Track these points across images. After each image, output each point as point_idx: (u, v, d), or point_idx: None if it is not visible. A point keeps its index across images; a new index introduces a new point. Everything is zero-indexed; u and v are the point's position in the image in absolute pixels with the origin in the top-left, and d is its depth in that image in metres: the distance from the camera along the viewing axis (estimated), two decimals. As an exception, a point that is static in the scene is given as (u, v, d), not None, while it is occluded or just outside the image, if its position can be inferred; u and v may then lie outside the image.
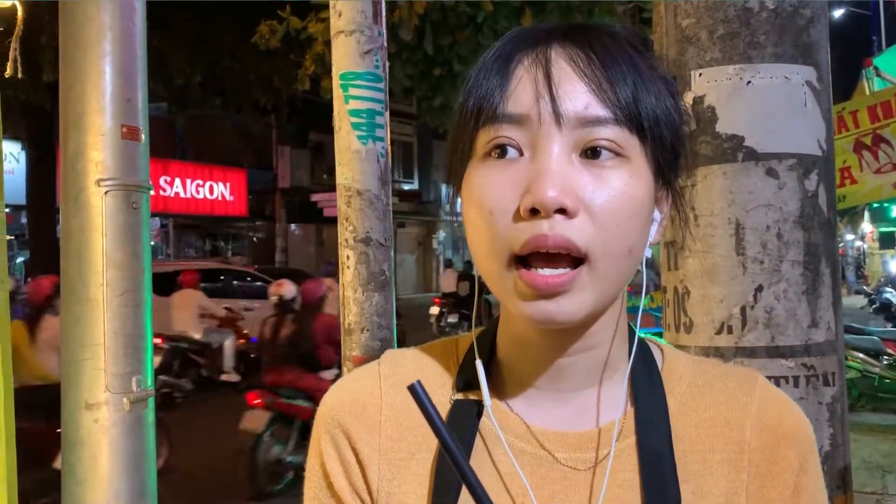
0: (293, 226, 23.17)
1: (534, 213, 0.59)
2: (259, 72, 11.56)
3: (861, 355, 7.57)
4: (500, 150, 0.62)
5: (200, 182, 19.78)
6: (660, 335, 1.34)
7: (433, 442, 0.69)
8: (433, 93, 7.64)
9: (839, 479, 1.24)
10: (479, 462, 0.67)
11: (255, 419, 5.36)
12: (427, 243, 26.52)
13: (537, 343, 0.67)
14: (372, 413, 0.71)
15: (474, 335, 0.73)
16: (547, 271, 0.60)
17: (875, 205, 16.26)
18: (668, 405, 0.69)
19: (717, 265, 1.12)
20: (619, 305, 0.68)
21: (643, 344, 0.72)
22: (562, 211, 0.59)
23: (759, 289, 1.12)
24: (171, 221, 19.70)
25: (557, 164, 0.60)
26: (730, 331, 1.13)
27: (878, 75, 7.06)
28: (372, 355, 1.32)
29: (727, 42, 1.15)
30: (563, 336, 0.66)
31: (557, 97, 0.60)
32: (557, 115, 0.60)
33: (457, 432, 0.67)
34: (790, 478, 0.68)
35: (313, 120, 21.10)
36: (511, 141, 0.62)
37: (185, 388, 8.51)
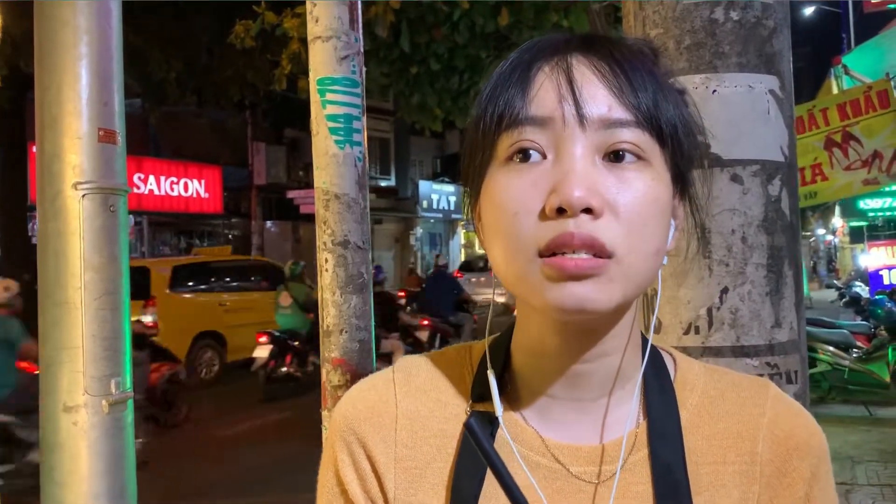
0: (269, 223, 23.00)
1: (560, 212, 0.59)
2: (235, 69, 11.46)
3: (831, 349, 7.69)
4: (523, 154, 0.62)
5: (175, 179, 19.57)
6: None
7: (449, 451, 0.70)
8: (410, 91, 7.62)
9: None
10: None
11: None
12: (404, 240, 26.47)
13: (554, 348, 0.67)
14: (387, 422, 0.72)
15: (487, 343, 0.73)
16: (576, 255, 0.59)
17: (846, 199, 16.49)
18: (681, 416, 0.69)
19: (684, 268, 1.15)
20: (632, 312, 0.68)
21: (655, 353, 0.72)
22: (587, 211, 0.59)
23: (725, 290, 1.15)
24: (144, 219, 19.45)
25: (582, 164, 0.60)
26: (697, 331, 1.16)
27: (848, 73, 7.18)
28: (350, 357, 1.34)
29: (693, 52, 1.18)
30: (581, 339, 0.66)
31: (581, 99, 0.61)
32: (581, 117, 0.61)
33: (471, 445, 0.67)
34: (801, 488, 0.69)
35: (289, 117, 20.93)
36: (534, 144, 0.62)
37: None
